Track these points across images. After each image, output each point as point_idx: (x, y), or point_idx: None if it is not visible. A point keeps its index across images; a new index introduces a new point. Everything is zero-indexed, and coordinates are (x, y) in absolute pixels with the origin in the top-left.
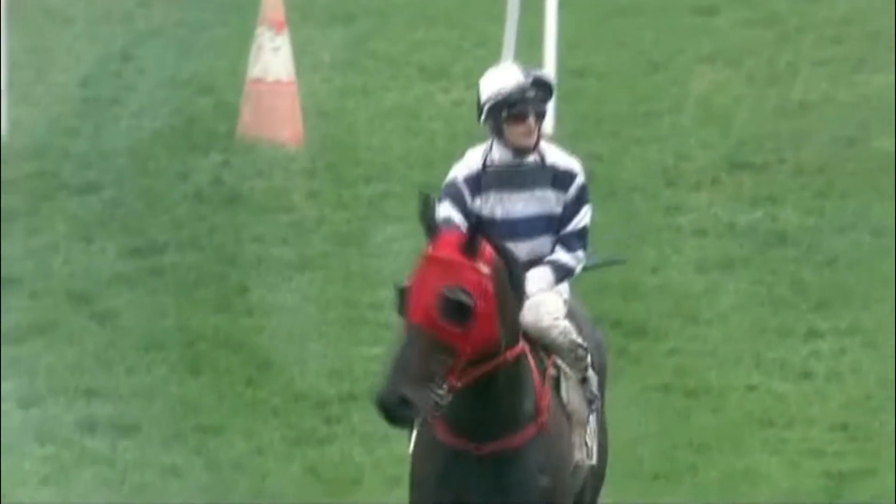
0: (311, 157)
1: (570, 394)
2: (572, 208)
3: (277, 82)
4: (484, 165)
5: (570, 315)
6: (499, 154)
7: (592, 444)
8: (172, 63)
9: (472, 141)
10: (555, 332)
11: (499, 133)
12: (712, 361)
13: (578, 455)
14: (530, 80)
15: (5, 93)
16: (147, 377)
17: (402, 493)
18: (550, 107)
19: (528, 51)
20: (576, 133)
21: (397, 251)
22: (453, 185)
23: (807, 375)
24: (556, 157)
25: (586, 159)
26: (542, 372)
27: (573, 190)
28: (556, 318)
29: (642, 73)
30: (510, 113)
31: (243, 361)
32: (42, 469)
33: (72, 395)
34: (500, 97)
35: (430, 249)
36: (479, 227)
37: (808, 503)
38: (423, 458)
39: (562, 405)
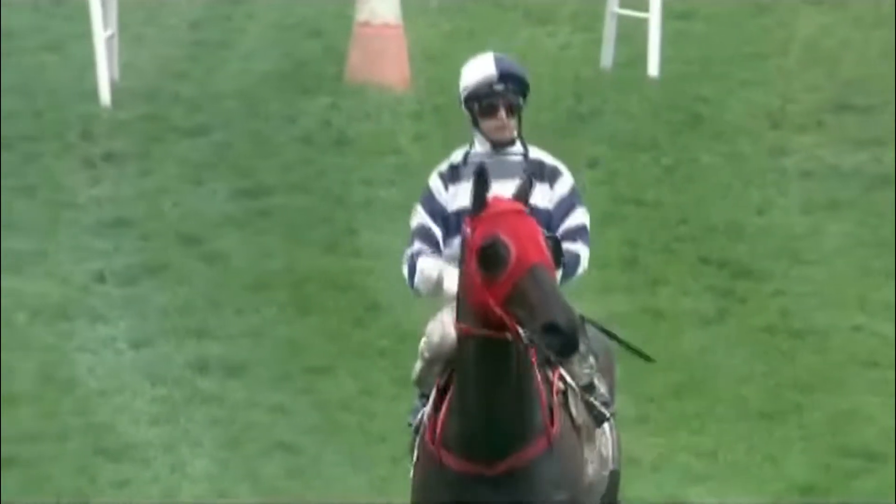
0: (418, 99)
1: (578, 408)
2: (565, 208)
3: (385, 26)
4: (465, 158)
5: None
6: (480, 147)
7: (608, 452)
8: (282, 6)
9: (579, 84)
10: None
11: (475, 125)
12: (817, 302)
13: (592, 469)
14: (497, 73)
15: (118, 36)
16: (256, 318)
17: None
18: (656, 49)
19: None
20: (682, 75)
21: None
22: (426, 186)
23: None
24: (542, 154)
25: (692, 102)
26: (549, 385)
27: (563, 189)
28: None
29: (748, 16)
30: (481, 106)
31: (351, 302)
32: (153, 409)
33: (182, 336)
34: (469, 90)
35: (499, 206)
36: (527, 184)
37: None
38: (429, 487)
39: (571, 419)
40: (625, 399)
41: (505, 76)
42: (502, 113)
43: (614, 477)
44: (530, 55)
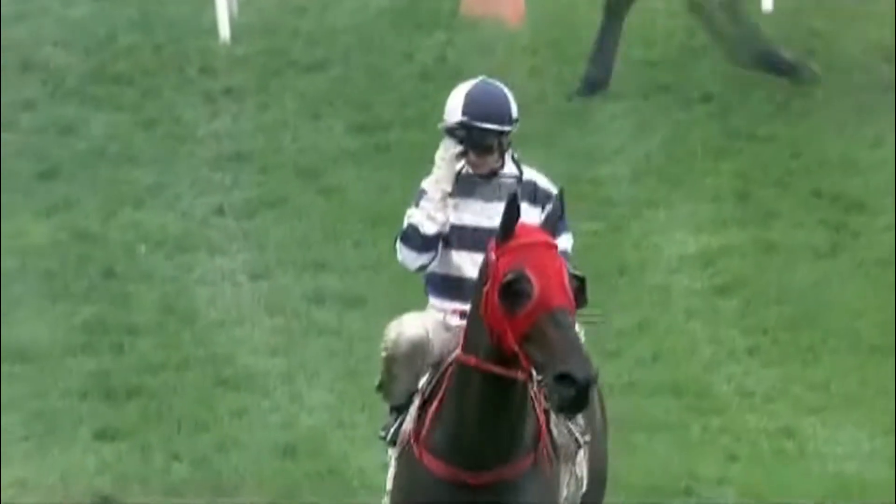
0: (533, 34)
1: (559, 427)
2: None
3: None
4: (457, 176)
5: None
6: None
7: (582, 473)
8: None
9: (692, 18)
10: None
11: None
12: None
13: (567, 490)
14: (460, 122)
15: None
16: (373, 251)
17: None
18: None
19: None
20: (795, 10)
21: (617, 128)
22: (420, 189)
23: None
24: (536, 176)
25: (806, 36)
26: (539, 403)
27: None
28: None
29: None
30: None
31: None
32: (272, 339)
33: (300, 268)
34: (446, 127)
35: (525, 237)
36: (557, 212)
37: None
38: (409, 490)
39: (552, 438)
40: (737, 332)
41: (469, 126)
42: (472, 155)
43: (591, 497)
44: None
